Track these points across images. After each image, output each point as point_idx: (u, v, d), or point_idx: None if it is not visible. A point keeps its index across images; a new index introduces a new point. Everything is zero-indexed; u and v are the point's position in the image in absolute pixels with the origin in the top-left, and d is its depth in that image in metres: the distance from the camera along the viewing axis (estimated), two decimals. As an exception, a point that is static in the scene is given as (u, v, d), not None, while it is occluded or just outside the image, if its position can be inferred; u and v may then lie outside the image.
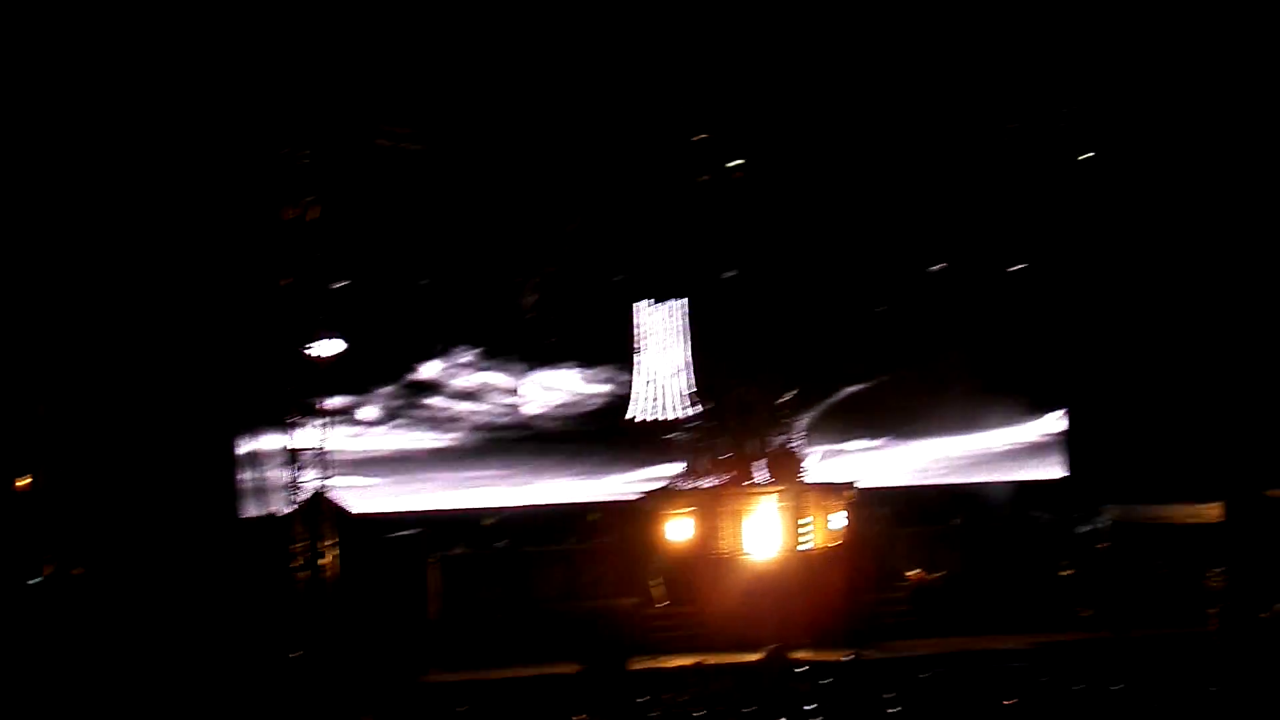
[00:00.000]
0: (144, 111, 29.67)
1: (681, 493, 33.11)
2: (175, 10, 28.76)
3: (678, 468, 33.87)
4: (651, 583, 32.08)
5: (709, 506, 32.52)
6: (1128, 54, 31.73)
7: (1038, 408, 37.13)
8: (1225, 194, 33.51)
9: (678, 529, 32.56)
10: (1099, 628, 30.94)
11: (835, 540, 32.37)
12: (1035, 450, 37.31)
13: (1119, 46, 31.63)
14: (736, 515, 32.33)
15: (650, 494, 33.58)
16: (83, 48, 28.81)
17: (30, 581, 28.82)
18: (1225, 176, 33.30)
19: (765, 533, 32.22)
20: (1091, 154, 33.38)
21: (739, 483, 32.76)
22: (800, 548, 32.06)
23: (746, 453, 33.01)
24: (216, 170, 30.65)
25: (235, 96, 29.68)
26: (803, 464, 32.97)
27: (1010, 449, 37.15)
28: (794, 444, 33.14)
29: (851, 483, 33.14)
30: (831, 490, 32.77)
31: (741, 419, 33.19)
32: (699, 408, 34.88)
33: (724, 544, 32.24)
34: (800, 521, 32.19)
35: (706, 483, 32.97)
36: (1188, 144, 33.08)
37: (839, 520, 32.48)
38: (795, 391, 33.42)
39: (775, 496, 32.38)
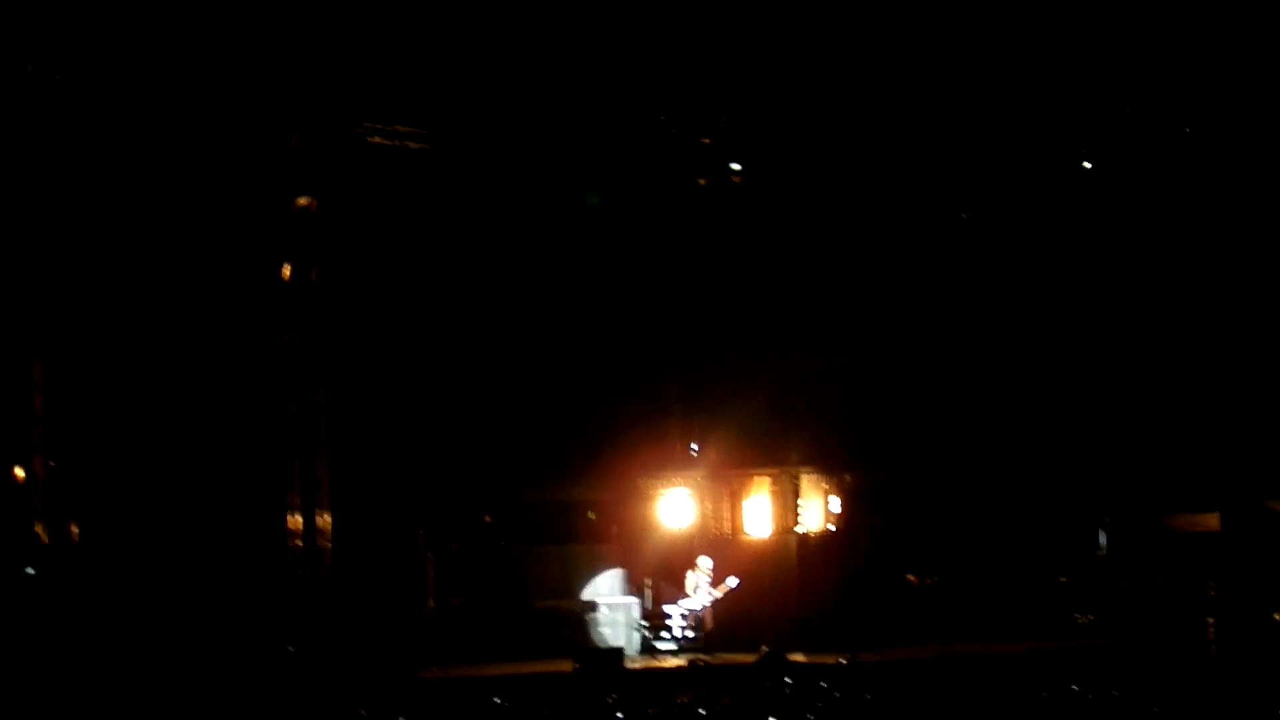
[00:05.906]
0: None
1: (677, 476, 33.08)
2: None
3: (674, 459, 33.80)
4: (648, 581, 32.11)
5: (705, 489, 32.72)
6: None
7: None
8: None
9: (673, 514, 32.71)
10: (1096, 635, 31.05)
11: (831, 524, 32.57)
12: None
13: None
14: (734, 497, 32.58)
15: (646, 480, 33.44)
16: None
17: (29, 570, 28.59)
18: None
19: (761, 515, 32.46)
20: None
21: (736, 465, 32.82)
22: (796, 528, 32.21)
23: (743, 437, 32.98)
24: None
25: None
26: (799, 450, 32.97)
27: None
28: (789, 429, 33.14)
29: (850, 467, 33.19)
30: (828, 474, 32.85)
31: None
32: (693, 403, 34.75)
33: (720, 527, 32.51)
34: (796, 503, 32.40)
35: (704, 465, 32.99)
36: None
37: (835, 506, 32.67)
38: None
39: (770, 478, 32.57)
